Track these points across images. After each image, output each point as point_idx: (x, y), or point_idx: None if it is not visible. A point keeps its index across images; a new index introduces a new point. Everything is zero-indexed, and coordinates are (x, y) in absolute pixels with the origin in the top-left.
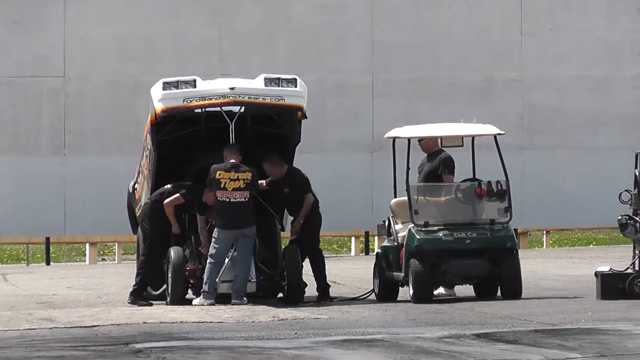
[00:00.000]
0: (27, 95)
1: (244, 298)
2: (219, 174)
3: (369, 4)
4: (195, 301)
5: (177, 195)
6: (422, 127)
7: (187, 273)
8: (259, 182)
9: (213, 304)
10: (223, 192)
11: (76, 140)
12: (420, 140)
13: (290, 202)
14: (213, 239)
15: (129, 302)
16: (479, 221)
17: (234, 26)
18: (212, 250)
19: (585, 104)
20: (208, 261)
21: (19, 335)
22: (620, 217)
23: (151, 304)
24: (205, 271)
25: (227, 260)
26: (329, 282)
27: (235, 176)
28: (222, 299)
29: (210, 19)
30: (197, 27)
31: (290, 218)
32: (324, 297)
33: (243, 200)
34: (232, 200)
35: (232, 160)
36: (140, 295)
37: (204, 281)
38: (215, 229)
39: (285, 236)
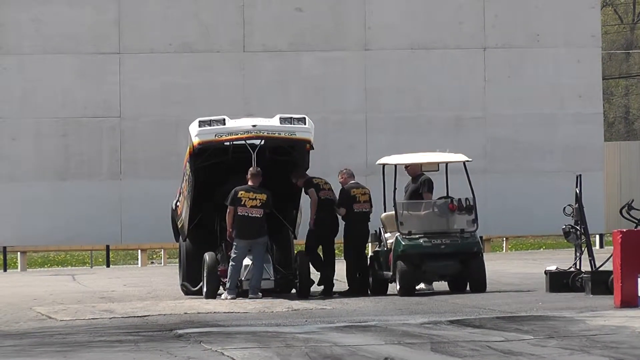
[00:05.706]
0: (90, 132)
1: (259, 293)
2: (241, 194)
3: (363, 58)
4: (222, 295)
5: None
6: (406, 155)
7: (219, 273)
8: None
9: (235, 298)
10: (242, 208)
11: (129, 167)
12: (407, 166)
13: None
14: (233, 246)
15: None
16: (452, 230)
17: (255, 76)
18: (232, 255)
19: (536, 136)
20: (230, 264)
21: (85, 324)
22: (564, 227)
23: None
24: (228, 272)
25: (250, 264)
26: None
27: (253, 196)
28: (246, 294)
29: (236, 70)
30: (225, 77)
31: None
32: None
33: (258, 216)
34: (249, 215)
35: (251, 183)
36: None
37: (227, 279)
38: (235, 238)
39: (298, 243)
